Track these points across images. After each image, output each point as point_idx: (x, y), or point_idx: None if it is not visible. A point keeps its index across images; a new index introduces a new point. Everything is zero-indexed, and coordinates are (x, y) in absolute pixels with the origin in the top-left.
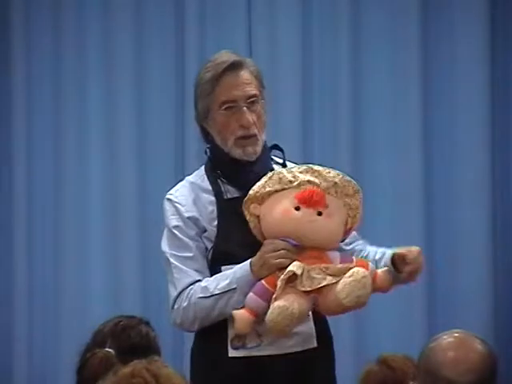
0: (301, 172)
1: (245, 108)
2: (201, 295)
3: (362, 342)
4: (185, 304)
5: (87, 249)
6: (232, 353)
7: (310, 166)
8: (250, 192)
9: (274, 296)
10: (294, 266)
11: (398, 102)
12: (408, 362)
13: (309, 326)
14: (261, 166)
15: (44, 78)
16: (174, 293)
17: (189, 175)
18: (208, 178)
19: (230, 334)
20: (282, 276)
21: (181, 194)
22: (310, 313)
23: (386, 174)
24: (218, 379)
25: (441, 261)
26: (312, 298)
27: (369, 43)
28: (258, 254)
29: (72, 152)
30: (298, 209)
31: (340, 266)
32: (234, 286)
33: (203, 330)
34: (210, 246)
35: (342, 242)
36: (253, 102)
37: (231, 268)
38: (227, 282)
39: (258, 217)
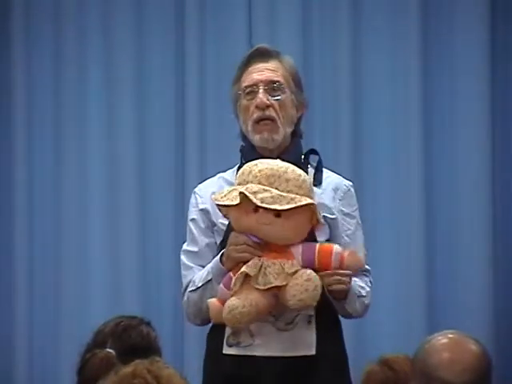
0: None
1: (261, 90)
2: (190, 289)
3: (362, 343)
4: (185, 299)
5: (87, 249)
6: (226, 350)
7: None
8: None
9: (231, 292)
10: (248, 267)
11: (398, 102)
12: (409, 363)
13: (308, 333)
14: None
15: (44, 82)
16: (182, 289)
17: (224, 171)
18: (237, 172)
19: (227, 331)
20: (237, 275)
21: (204, 186)
22: (313, 319)
23: (386, 173)
24: (214, 375)
25: (441, 261)
26: (272, 293)
27: (369, 44)
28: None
29: (72, 153)
30: (256, 210)
31: (293, 266)
32: (210, 277)
33: (212, 329)
34: (219, 240)
35: (313, 239)
36: (274, 89)
37: None
38: (206, 273)
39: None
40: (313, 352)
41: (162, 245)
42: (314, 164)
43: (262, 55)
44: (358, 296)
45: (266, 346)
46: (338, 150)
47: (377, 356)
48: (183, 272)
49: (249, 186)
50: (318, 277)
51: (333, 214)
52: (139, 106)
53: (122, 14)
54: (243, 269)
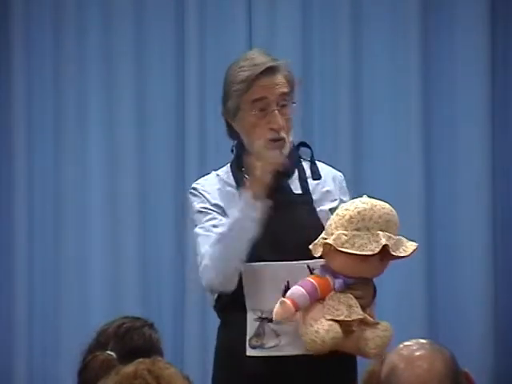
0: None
1: (276, 111)
2: (214, 242)
3: None
4: (206, 262)
5: (87, 249)
6: (250, 352)
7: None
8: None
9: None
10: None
11: (398, 104)
12: None
13: None
14: (287, 165)
15: (44, 83)
16: (198, 262)
17: (215, 170)
18: (233, 174)
19: (249, 333)
20: (354, 317)
21: (207, 183)
22: None
23: (386, 176)
24: (237, 378)
25: (441, 261)
26: None
27: (369, 45)
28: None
29: (72, 153)
30: (372, 255)
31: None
32: (239, 216)
33: (224, 329)
34: None
35: None
36: (284, 105)
37: (251, 264)
38: (231, 219)
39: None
40: None
41: (162, 244)
42: (306, 157)
43: (272, 71)
44: None
45: (293, 344)
46: (338, 151)
47: None
48: (203, 244)
49: (380, 234)
50: None
51: (335, 201)
52: (139, 103)
53: (122, 12)
54: (365, 317)
